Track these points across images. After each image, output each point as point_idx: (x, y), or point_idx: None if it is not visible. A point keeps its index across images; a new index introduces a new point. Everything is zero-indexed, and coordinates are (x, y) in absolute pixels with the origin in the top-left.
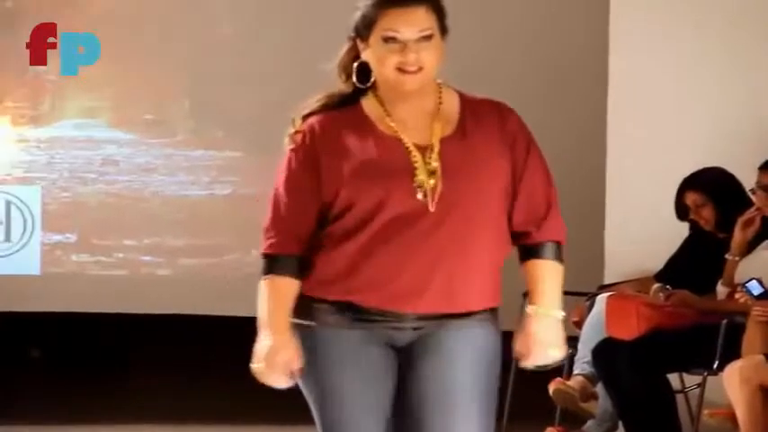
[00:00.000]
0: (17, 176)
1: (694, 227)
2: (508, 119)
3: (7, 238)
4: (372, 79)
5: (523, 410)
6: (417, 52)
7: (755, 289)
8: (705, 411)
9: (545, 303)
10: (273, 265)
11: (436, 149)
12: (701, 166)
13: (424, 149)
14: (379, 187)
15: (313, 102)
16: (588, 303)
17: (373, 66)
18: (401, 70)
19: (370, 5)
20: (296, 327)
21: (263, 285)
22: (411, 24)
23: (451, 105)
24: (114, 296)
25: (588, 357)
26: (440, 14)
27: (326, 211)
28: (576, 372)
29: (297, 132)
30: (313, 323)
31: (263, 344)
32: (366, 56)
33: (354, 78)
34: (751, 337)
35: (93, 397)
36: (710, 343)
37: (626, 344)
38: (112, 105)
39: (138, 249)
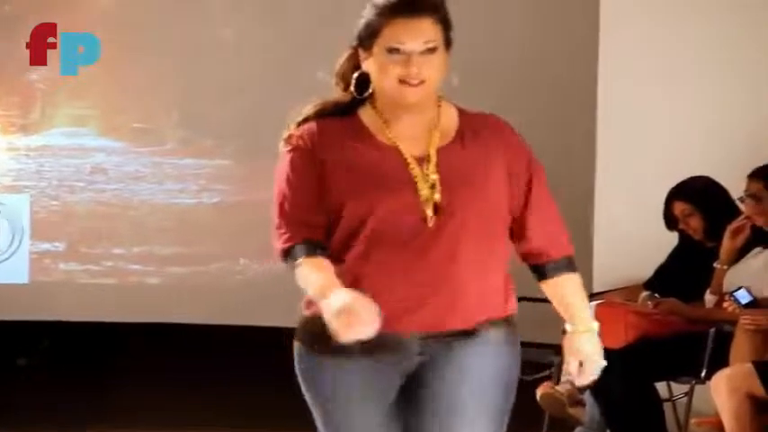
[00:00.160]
0: (6, 185)
1: (683, 236)
2: (507, 134)
3: None
4: (371, 90)
5: (511, 416)
6: (420, 65)
7: (744, 297)
8: (693, 420)
9: (584, 319)
10: (295, 253)
11: (433, 160)
12: (689, 176)
13: (421, 161)
14: (377, 200)
15: (308, 108)
16: None
17: (374, 76)
18: (403, 82)
19: (376, 14)
20: (301, 353)
21: (299, 270)
22: (416, 36)
23: (450, 119)
24: (103, 305)
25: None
26: (445, 27)
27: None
28: (563, 378)
29: (293, 135)
30: (318, 355)
31: (334, 302)
32: (367, 66)
33: (353, 88)
34: (739, 345)
35: (81, 406)
36: (698, 351)
37: (614, 352)
38: (101, 114)
39: (126, 258)
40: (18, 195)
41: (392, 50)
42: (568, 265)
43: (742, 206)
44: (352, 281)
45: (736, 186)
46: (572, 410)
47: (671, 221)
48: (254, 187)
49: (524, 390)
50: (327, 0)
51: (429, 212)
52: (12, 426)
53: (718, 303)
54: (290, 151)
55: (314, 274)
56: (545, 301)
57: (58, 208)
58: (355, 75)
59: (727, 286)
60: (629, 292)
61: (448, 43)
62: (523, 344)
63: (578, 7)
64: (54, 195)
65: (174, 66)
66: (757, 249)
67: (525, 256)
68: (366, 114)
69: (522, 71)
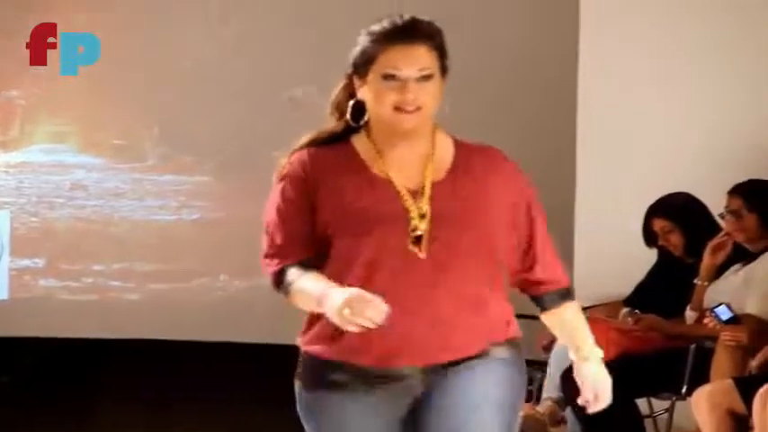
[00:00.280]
0: None
1: (663, 252)
2: (504, 167)
3: None
4: (366, 118)
5: None
6: (416, 91)
7: (724, 314)
8: None
9: (589, 346)
10: (287, 274)
11: (427, 194)
12: (669, 191)
13: (415, 193)
14: (368, 233)
15: (303, 138)
16: None
17: (369, 104)
18: (399, 109)
19: (371, 41)
20: (300, 392)
21: (294, 287)
22: (412, 63)
23: (445, 150)
24: (83, 321)
25: (557, 381)
26: (441, 54)
27: (318, 249)
28: (544, 396)
29: (286, 164)
30: (317, 393)
31: (337, 297)
32: (362, 93)
33: (349, 116)
34: (720, 361)
35: (61, 422)
36: (679, 367)
37: None
38: (81, 130)
39: (106, 274)
40: None
41: (388, 77)
42: (568, 293)
43: (722, 222)
44: None
45: (716, 203)
46: (554, 430)
47: (650, 238)
48: (234, 203)
49: None
50: (306, 20)
51: (421, 245)
52: None
53: (699, 320)
54: (281, 180)
55: (309, 283)
56: (524, 317)
57: (37, 224)
58: (351, 102)
59: (707, 303)
60: (610, 308)
61: (443, 71)
62: None
63: (560, 11)
64: (34, 212)
65: (153, 82)
66: (737, 266)
67: (525, 288)
68: (360, 143)
69: (496, 92)
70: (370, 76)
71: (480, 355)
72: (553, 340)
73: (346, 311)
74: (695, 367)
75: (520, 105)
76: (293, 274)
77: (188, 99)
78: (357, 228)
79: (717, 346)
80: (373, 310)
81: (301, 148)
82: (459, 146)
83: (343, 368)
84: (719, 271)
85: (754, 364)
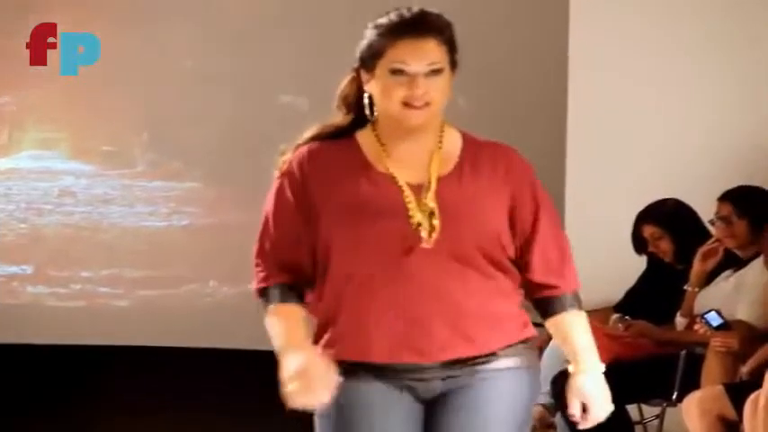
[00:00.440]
0: None
1: (653, 258)
2: (512, 163)
3: None
4: (375, 114)
5: None
6: (425, 87)
7: (714, 320)
8: None
9: (588, 359)
10: (269, 296)
11: (433, 189)
12: (659, 197)
13: (419, 189)
14: (370, 228)
15: (307, 132)
16: (547, 334)
17: (377, 99)
18: (407, 104)
19: (379, 35)
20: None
21: (269, 317)
22: (421, 57)
23: (453, 145)
24: (72, 328)
25: (547, 387)
26: (451, 49)
27: (315, 250)
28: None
29: (286, 161)
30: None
31: (290, 364)
32: (369, 88)
33: (367, 111)
34: (710, 367)
35: (49, 429)
36: (669, 374)
37: None
38: (70, 136)
39: (95, 281)
40: None
41: (396, 72)
42: (574, 301)
43: (712, 229)
44: (348, 312)
45: (707, 209)
46: None
47: (640, 245)
48: (224, 209)
49: None
50: (295, 25)
51: (423, 239)
52: None
53: (689, 326)
54: (280, 177)
55: (279, 326)
56: None
57: (26, 231)
58: (366, 96)
59: (697, 309)
60: (600, 314)
61: (453, 65)
62: None
63: (549, 6)
64: (22, 218)
65: (142, 88)
66: (728, 272)
67: (529, 289)
68: (364, 138)
69: (484, 95)
70: (378, 71)
71: (493, 359)
72: (543, 346)
73: (292, 386)
74: (686, 373)
75: (510, 104)
76: (274, 297)
77: (177, 105)
78: (357, 223)
79: (707, 353)
80: (312, 397)
81: (305, 142)
82: (467, 140)
83: (359, 366)
84: (710, 277)
85: (744, 370)
